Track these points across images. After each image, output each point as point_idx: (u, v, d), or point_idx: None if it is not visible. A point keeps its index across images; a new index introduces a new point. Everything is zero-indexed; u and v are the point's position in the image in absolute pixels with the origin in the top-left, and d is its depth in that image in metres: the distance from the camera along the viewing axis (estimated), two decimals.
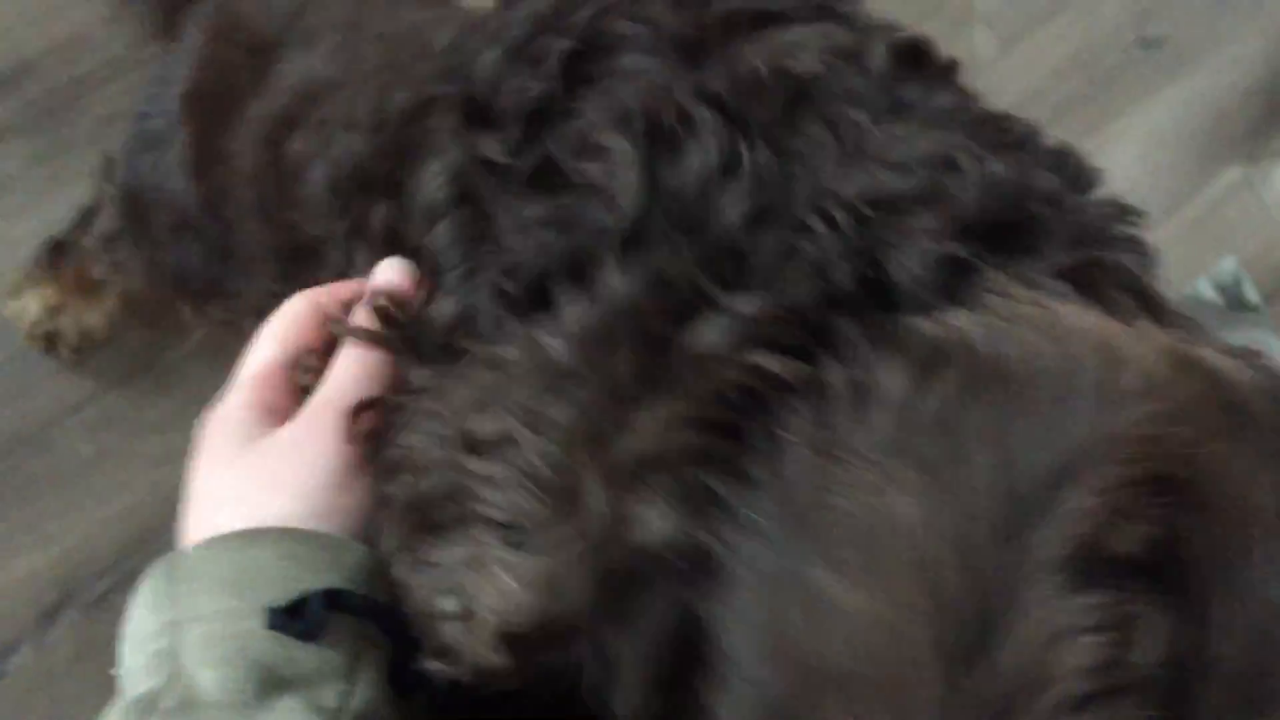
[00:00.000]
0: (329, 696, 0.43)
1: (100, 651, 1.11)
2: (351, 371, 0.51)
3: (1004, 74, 1.52)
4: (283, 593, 0.45)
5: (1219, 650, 0.31)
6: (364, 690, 0.44)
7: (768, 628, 0.34)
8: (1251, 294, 1.58)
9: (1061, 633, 0.30)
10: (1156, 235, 1.62)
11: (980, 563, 0.31)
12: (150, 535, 1.16)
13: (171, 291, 0.82)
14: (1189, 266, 1.55)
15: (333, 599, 0.45)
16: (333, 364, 0.52)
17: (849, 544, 0.33)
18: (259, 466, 0.49)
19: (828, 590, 0.32)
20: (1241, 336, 1.42)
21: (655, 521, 0.36)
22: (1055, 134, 0.50)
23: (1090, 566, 0.31)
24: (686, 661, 0.36)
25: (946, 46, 0.51)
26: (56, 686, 1.12)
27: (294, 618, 0.44)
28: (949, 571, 0.31)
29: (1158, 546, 0.31)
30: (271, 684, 0.43)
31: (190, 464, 0.53)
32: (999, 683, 0.30)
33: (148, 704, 0.43)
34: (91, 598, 1.14)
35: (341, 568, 0.46)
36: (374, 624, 0.46)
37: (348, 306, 0.55)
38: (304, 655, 0.44)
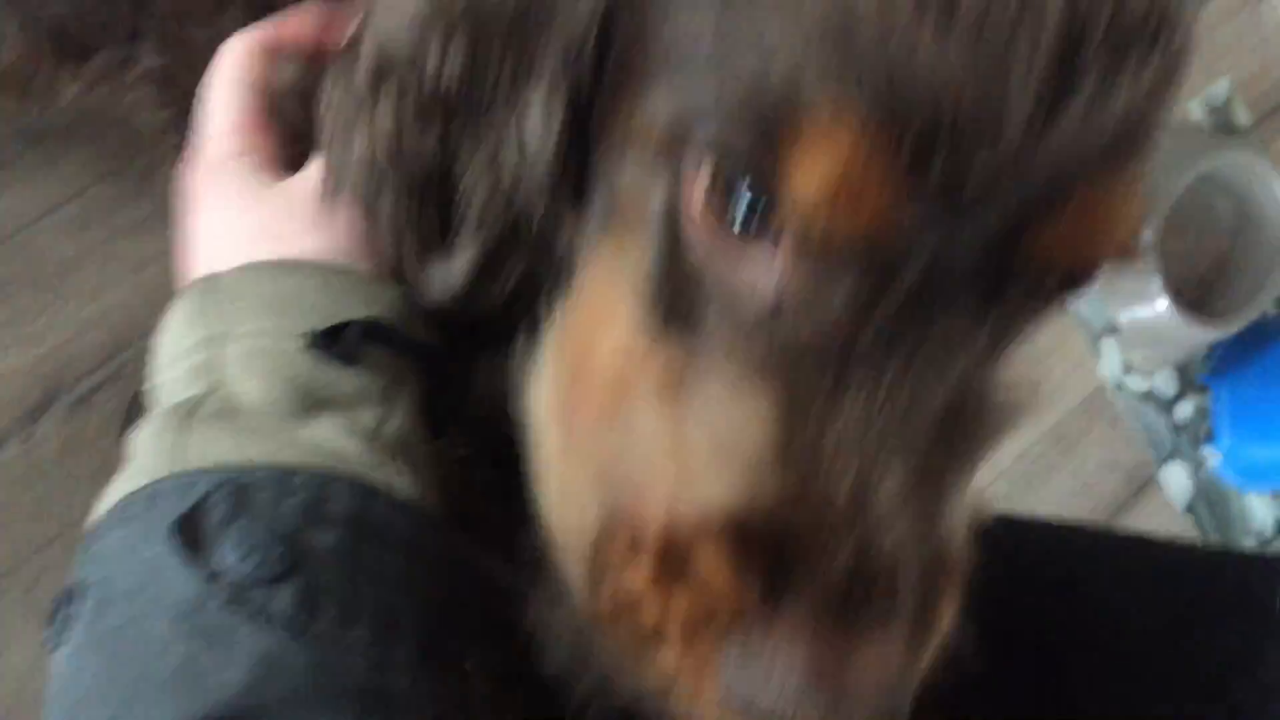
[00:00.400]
0: (366, 418, 0.45)
1: (86, 448, 1.14)
2: None
3: None
4: (322, 319, 0.46)
5: None
6: (399, 418, 0.46)
7: None
8: (1242, 116, 1.56)
9: None
10: None
11: None
12: (135, 335, 1.16)
13: (51, 52, 0.75)
14: (1183, 86, 1.53)
15: (371, 329, 0.46)
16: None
17: None
18: (284, 209, 0.50)
19: None
20: (1228, 159, 1.41)
21: None
22: None
23: None
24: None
25: None
26: (42, 482, 1.14)
27: (333, 342, 0.46)
28: None
29: None
30: (311, 401, 0.45)
31: (186, 218, 0.53)
32: None
33: (188, 410, 0.44)
34: (76, 396, 1.15)
35: (380, 303, 0.48)
36: (410, 357, 0.48)
37: (295, 44, 0.54)
38: (341, 378, 0.45)
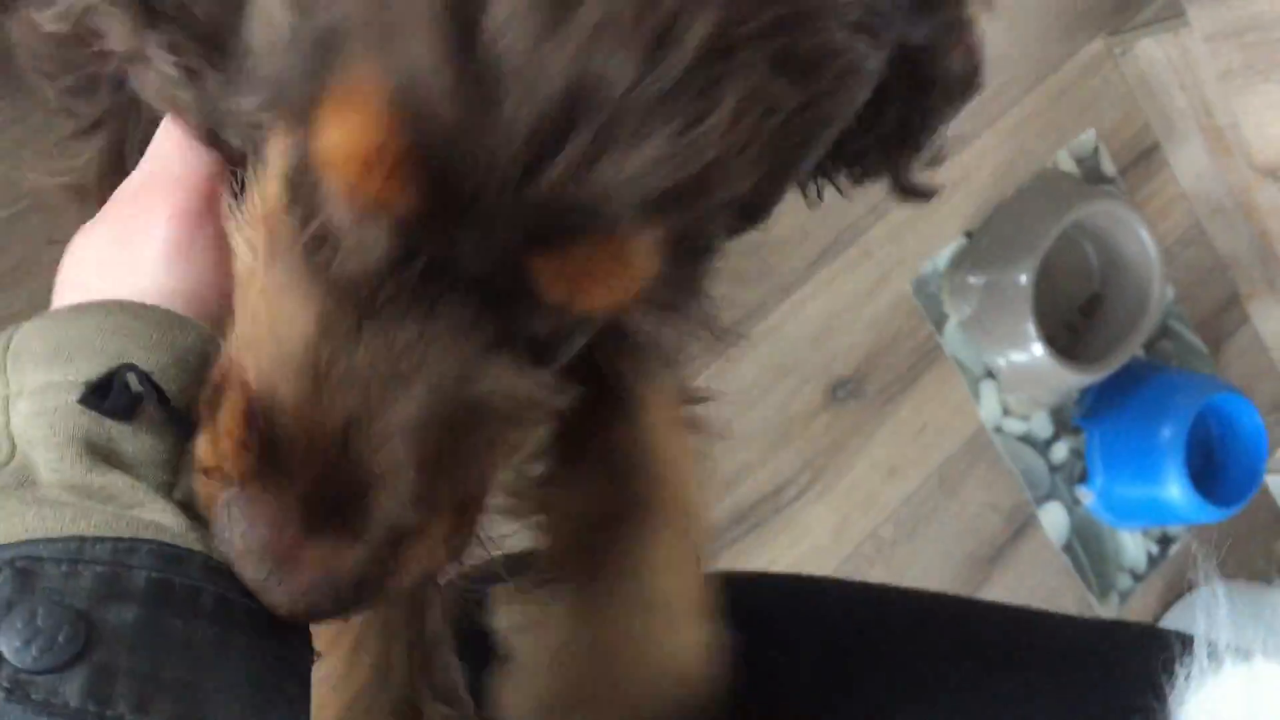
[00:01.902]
0: (163, 478, 0.43)
1: None
2: (170, 143, 0.49)
3: None
4: (105, 365, 0.43)
5: None
6: (188, 481, 0.43)
7: None
8: (1109, 166, 1.62)
9: None
10: (1022, 107, 1.64)
11: None
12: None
13: None
14: (1051, 138, 1.58)
15: (148, 379, 0.43)
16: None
17: None
18: (90, 251, 0.48)
19: None
20: (1097, 208, 1.46)
21: None
22: None
23: None
24: None
25: None
26: None
27: (105, 395, 0.42)
28: None
29: None
30: (98, 461, 0.42)
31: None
32: None
33: None
34: None
35: (172, 347, 0.45)
36: (176, 416, 0.44)
37: None
38: (121, 436, 0.43)
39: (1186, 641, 0.51)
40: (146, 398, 0.43)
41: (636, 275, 0.39)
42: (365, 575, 0.41)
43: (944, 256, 1.50)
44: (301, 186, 0.41)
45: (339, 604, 0.41)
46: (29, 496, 0.41)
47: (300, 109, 0.38)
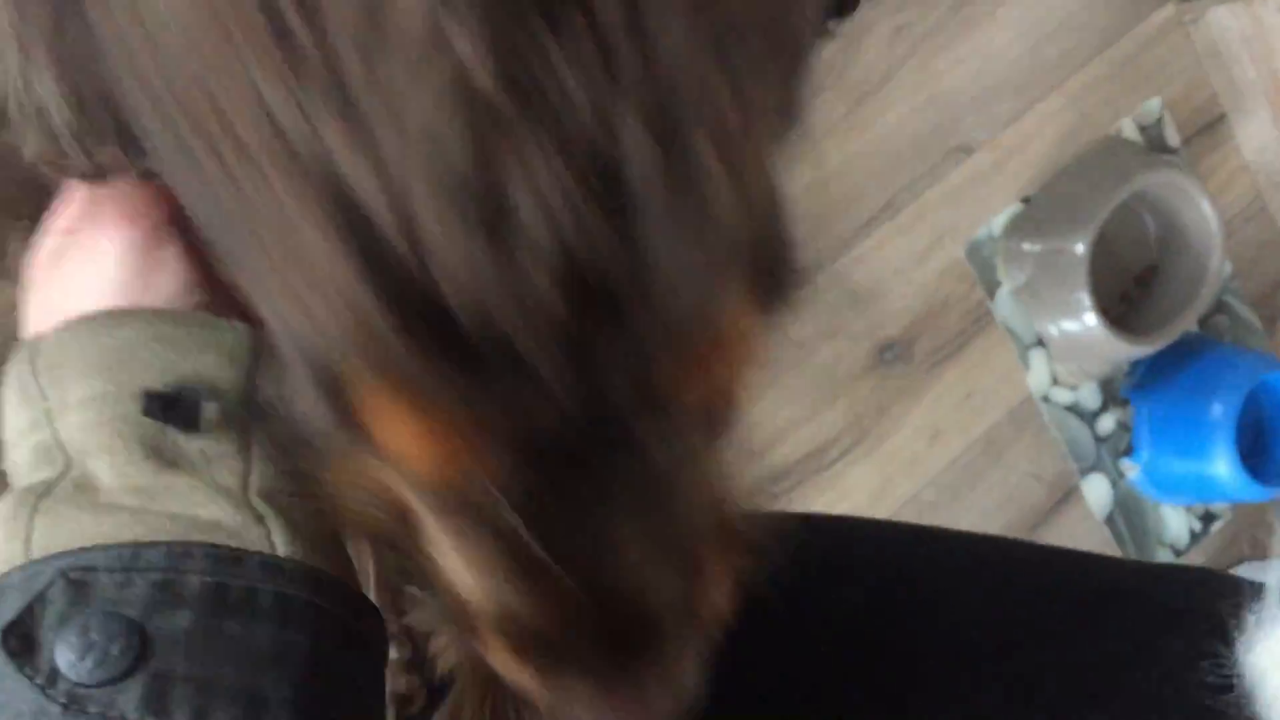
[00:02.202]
0: (224, 476, 0.42)
1: None
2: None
3: None
4: (157, 375, 0.42)
5: None
6: (262, 468, 0.43)
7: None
8: (1172, 136, 1.59)
9: None
10: (1087, 72, 1.62)
11: None
12: None
13: None
14: (1116, 105, 1.56)
15: (210, 389, 0.43)
16: None
17: None
18: (58, 282, 0.46)
19: None
20: (1159, 178, 1.44)
21: None
22: None
23: None
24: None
25: None
26: None
27: (171, 408, 0.42)
28: None
29: None
30: (164, 463, 0.41)
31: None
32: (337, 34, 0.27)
33: (39, 493, 0.41)
34: None
35: (218, 348, 0.44)
36: (255, 406, 0.44)
37: None
38: (187, 441, 0.42)
39: (1255, 588, 0.50)
40: (207, 405, 0.42)
41: (746, 339, 0.34)
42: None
43: (999, 222, 1.48)
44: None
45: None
46: (86, 502, 0.40)
47: (347, 441, 0.34)
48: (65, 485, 0.41)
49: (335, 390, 0.31)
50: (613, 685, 0.37)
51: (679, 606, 0.37)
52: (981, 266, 1.48)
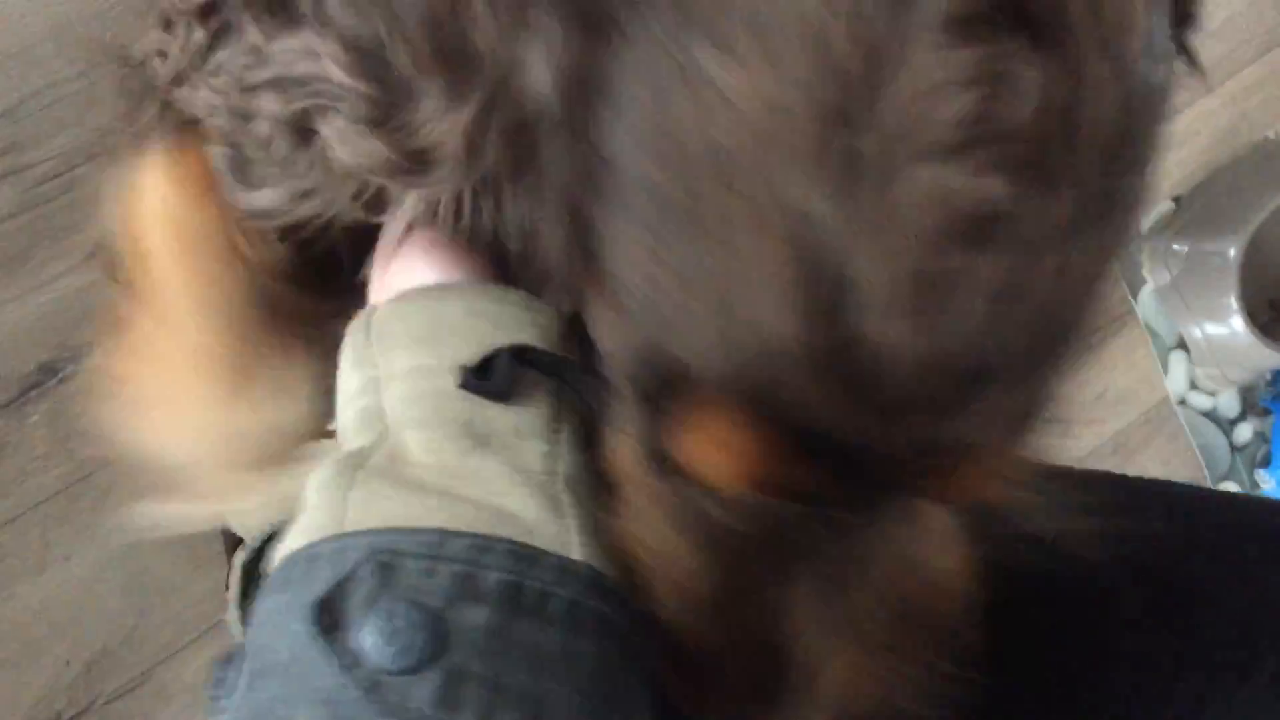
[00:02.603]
0: (532, 458, 0.42)
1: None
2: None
3: None
4: (476, 349, 0.44)
5: (1090, 111, 0.33)
6: (569, 453, 0.43)
7: (653, 123, 0.35)
8: None
9: (938, 87, 0.32)
10: (1249, 73, 1.58)
11: (868, 31, 0.32)
12: None
13: None
14: (1276, 107, 1.52)
15: (522, 355, 0.44)
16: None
17: (738, 25, 0.33)
18: (395, 266, 0.50)
19: (713, 74, 0.33)
20: None
21: (540, 63, 0.38)
22: None
23: (971, 23, 0.32)
24: (591, 195, 0.38)
25: None
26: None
27: (484, 376, 0.43)
28: (837, 41, 0.32)
29: (1039, 5, 0.33)
30: (474, 443, 0.42)
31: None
32: (874, 137, 0.32)
33: (356, 462, 0.42)
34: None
35: (535, 326, 0.45)
36: (568, 382, 0.45)
37: None
38: (499, 415, 0.43)
39: None
40: (522, 375, 0.43)
41: (1009, 469, 0.40)
42: None
43: (1148, 220, 1.46)
44: (663, 460, 0.40)
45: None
46: (398, 476, 0.41)
47: (653, 406, 0.38)
48: (380, 457, 0.42)
49: (658, 394, 0.38)
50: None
51: (809, 683, 0.42)
52: (1126, 262, 1.46)
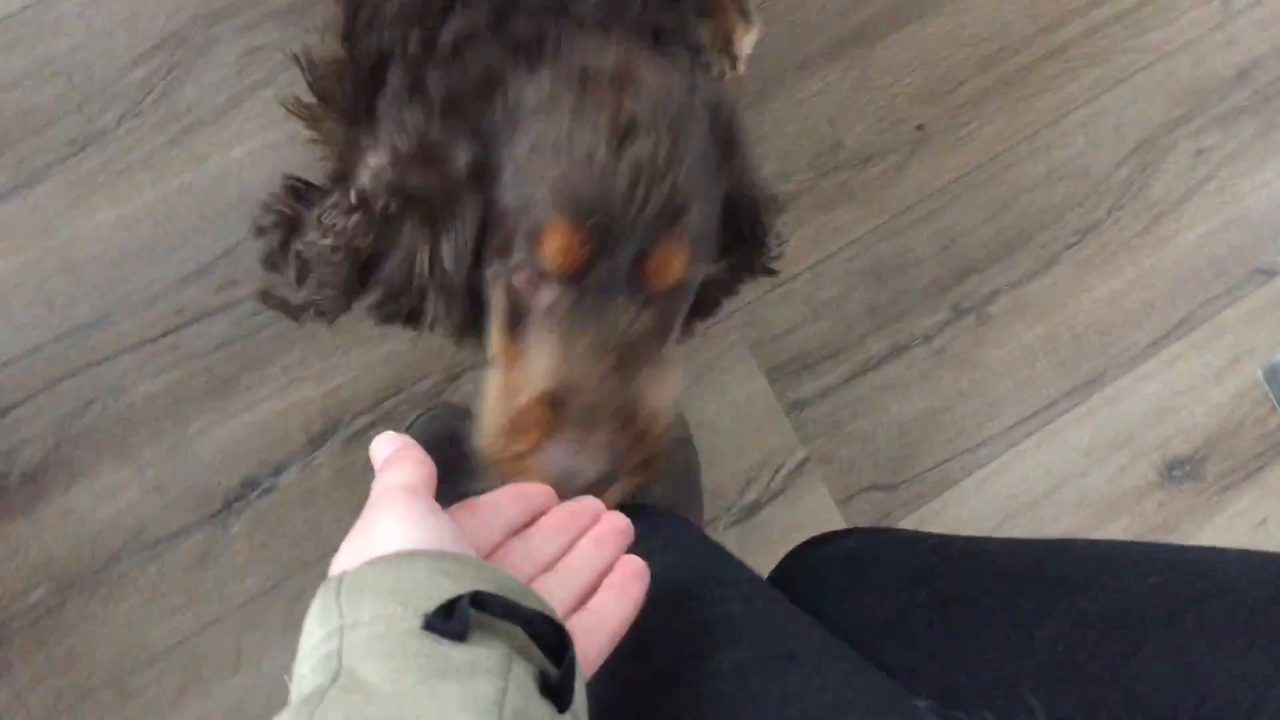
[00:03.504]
0: (486, 690, 0.45)
1: (355, 479, 1.25)
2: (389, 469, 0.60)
3: None
4: (438, 599, 0.48)
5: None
6: (517, 691, 0.46)
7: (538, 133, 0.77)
8: None
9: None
10: None
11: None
12: (405, 382, 1.28)
13: None
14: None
15: (479, 601, 0.48)
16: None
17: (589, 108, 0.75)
18: (345, 551, 0.55)
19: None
20: None
21: (462, 154, 0.79)
22: None
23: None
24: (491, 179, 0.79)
25: None
26: (315, 505, 1.27)
27: (446, 619, 0.47)
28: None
29: None
30: (432, 673, 0.46)
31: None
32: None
33: (315, 698, 0.45)
34: (351, 431, 1.28)
35: (493, 581, 0.50)
36: (519, 626, 0.49)
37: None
38: (457, 653, 0.47)
39: None
40: (480, 619, 0.48)
41: (682, 261, 0.76)
42: (614, 453, 0.74)
43: None
44: (515, 299, 0.78)
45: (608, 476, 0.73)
46: (363, 697, 0.45)
47: (531, 237, 0.75)
48: (335, 691, 0.45)
49: (536, 229, 0.74)
50: (578, 433, 0.75)
51: (621, 407, 0.76)
52: None
